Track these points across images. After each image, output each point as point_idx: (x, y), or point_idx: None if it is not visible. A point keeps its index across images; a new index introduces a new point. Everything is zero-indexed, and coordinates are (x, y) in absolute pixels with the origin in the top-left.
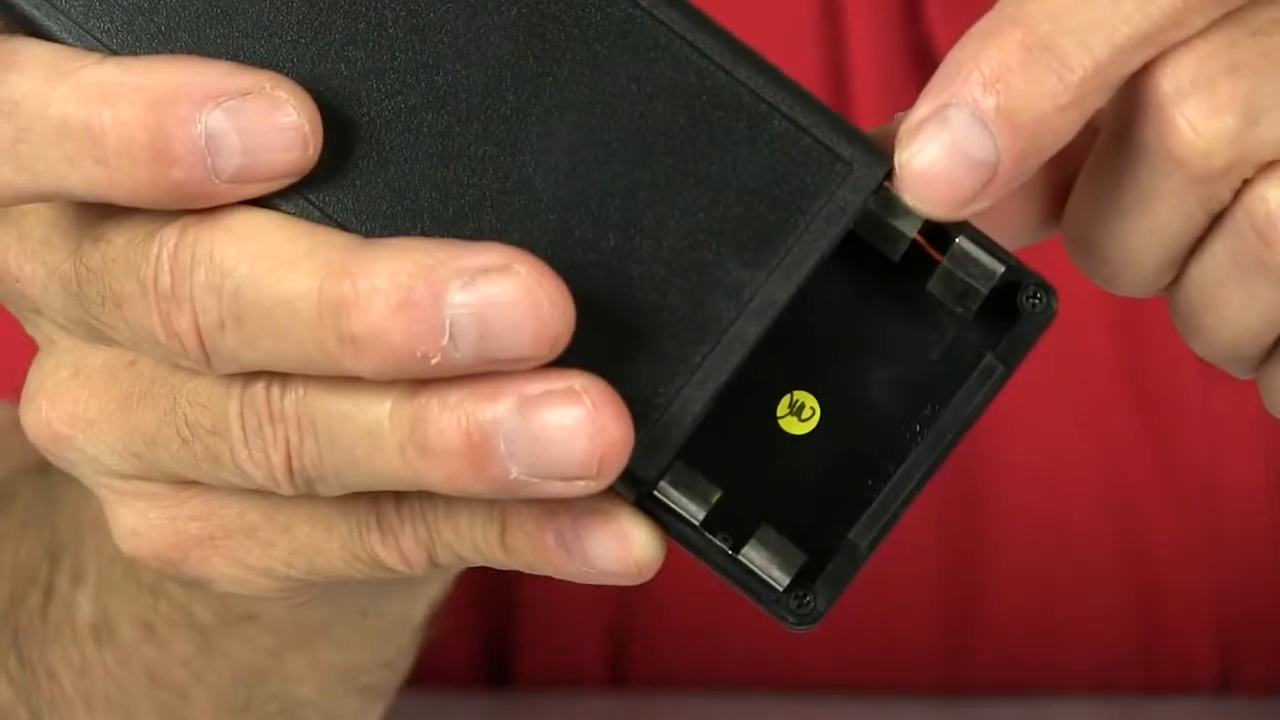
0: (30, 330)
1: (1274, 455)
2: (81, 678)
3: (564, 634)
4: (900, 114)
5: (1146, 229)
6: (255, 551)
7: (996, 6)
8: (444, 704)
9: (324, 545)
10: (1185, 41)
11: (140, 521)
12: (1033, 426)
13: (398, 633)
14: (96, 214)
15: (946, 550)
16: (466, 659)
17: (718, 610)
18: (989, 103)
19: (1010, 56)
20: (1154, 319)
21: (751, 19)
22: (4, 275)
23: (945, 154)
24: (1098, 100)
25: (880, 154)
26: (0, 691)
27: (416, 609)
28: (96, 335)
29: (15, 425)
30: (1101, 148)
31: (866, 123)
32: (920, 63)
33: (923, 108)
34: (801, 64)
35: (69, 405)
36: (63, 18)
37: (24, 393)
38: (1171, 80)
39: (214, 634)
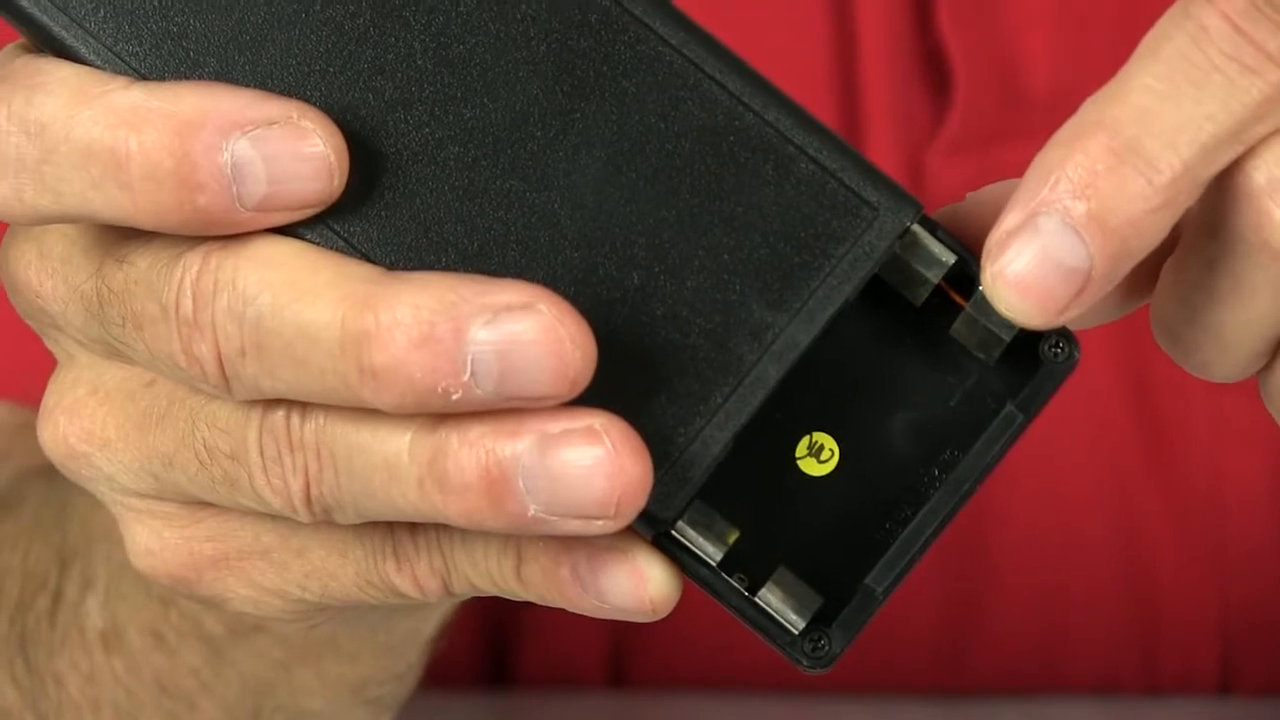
0: (49, 345)
1: (1278, 468)
2: (89, 684)
3: (564, 634)
4: (972, 193)
5: (1243, 320)
6: (269, 573)
7: (1079, 111)
8: (444, 704)
9: (339, 570)
10: (1274, 132)
11: (155, 541)
12: (1037, 436)
13: (408, 648)
14: (119, 234)
15: (949, 556)
16: (466, 659)
17: (718, 610)
18: (1079, 209)
19: (1097, 161)
20: None
21: (763, 27)
22: (24, 290)
23: (1038, 263)
24: (1187, 200)
25: (906, 199)
26: (7, 696)
27: (427, 625)
28: (115, 353)
29: (25, 427)
30: (1190, 241)
31: (877, 129)
32: (930, 69)
33: (1011, 217)
34: (812, 71)
35: (86, 423)
36: (92, 40)
37: (42, 407)
38: (1263, 172)
39: (223, 645)
